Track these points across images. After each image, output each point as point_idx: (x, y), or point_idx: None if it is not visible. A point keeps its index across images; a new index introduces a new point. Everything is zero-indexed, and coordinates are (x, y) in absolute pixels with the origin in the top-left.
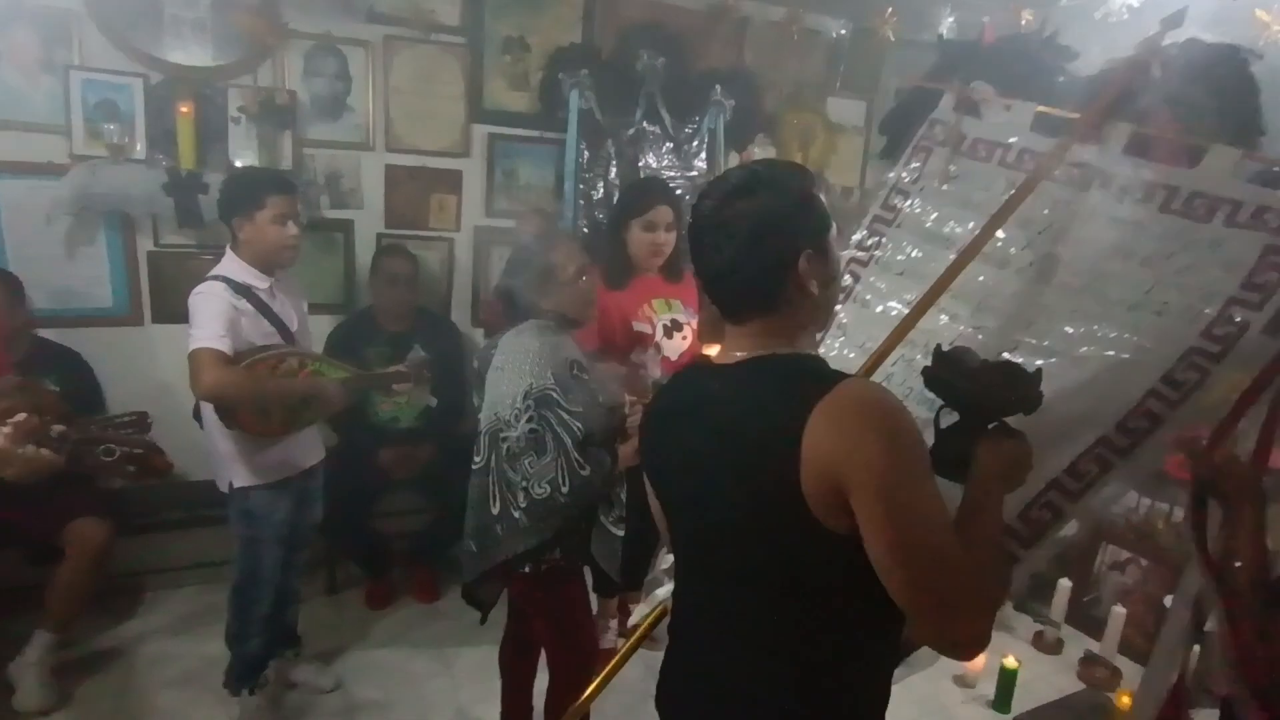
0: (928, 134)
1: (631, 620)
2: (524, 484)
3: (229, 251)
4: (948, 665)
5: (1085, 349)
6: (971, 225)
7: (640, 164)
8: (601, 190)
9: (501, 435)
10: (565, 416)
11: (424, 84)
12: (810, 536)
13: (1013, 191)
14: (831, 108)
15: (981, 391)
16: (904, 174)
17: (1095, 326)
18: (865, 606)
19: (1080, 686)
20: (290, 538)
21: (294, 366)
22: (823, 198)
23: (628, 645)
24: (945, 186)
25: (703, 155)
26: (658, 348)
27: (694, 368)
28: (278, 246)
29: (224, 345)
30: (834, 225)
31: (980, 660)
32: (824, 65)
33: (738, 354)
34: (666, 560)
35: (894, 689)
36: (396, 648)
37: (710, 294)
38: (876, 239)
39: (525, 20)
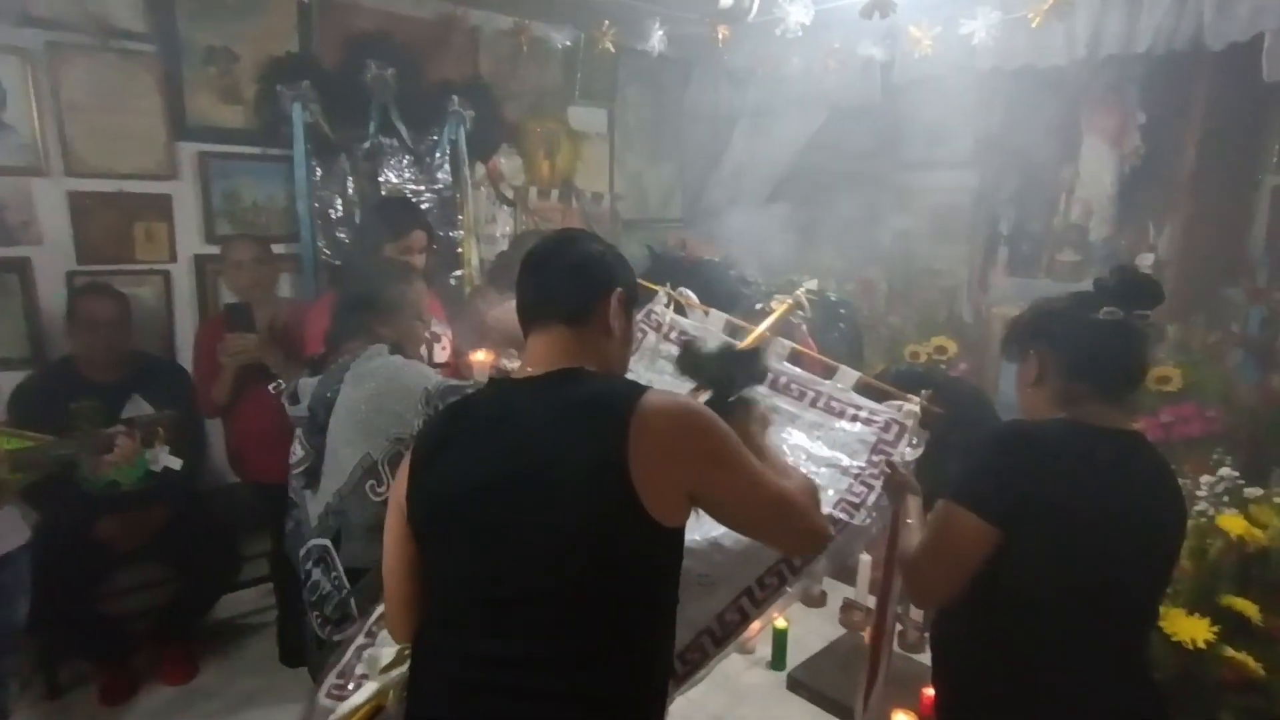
0: (645, 319)
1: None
2: None
3: None
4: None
5: None
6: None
7: (380, 179)
8: (340, 208)
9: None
10: None
11: (108, 98)
12: (642, 532)
13: None
14: (573, 116)
15: (726, 378)
16: None
17: None
18: (668, 599)
19: (843, 632)
20: None
21: None
22: None
23: None
24: (657, 362)
25: (446, 167)
26: (426, 360)
27: (486, 388)
28: None
29: None
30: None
31: (756, 627)
32: (561, 74)
33: (536, 369)
34: (386, 653)
35: None
36: None
37: (528, 303)
38: None
39: (229, 28)
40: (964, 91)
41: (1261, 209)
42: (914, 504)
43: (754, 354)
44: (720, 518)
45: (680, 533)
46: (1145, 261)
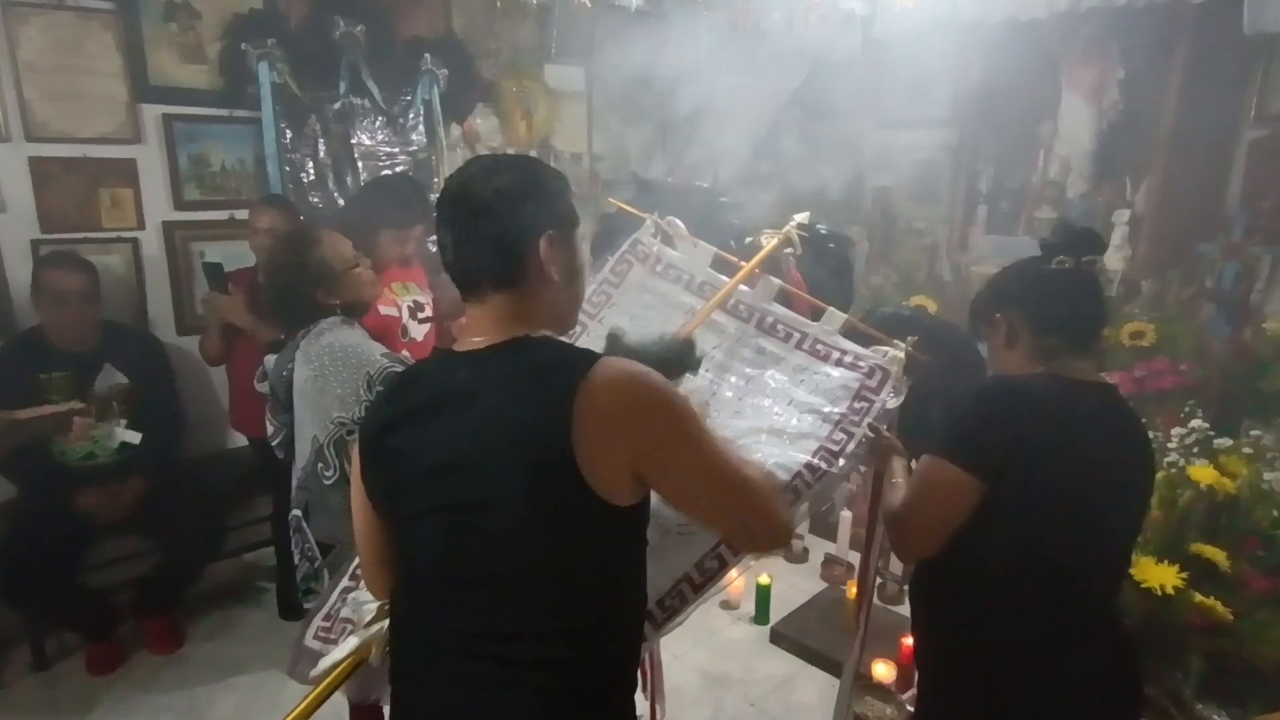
0: (631, 250)
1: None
2: None
3: None
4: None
5: (747, 440)
6: (659, 333)
7: (353, 140)
8: (313, 171)
9: (351, 436)
10: None
11: (67, 59)
12: (594, 515)
13: (695, 311)
14: (550, 74)
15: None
16: (611, 276)
17: (754, 421)
18: (633, 574)
19: (824, 586)
20: None
21: None
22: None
23: (316, 693)
24: (643, 297)
25: (420, 128)
26: (405, 330)
27: (428, 361)
28: None
29: None
30: (580, 224)
31: (740, 583)
32: (536, 30)
33: (480, 339)
34: (367, 606)
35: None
36: (135, 712)
37: (452, 268)
38: (581, 326)
39: None
40: (945, 46)
41: (1239, 164)
42: (899, 464)
43: (687, 345)
44: (672, 502)
45: (638, 511)
46: (1122, 218)
